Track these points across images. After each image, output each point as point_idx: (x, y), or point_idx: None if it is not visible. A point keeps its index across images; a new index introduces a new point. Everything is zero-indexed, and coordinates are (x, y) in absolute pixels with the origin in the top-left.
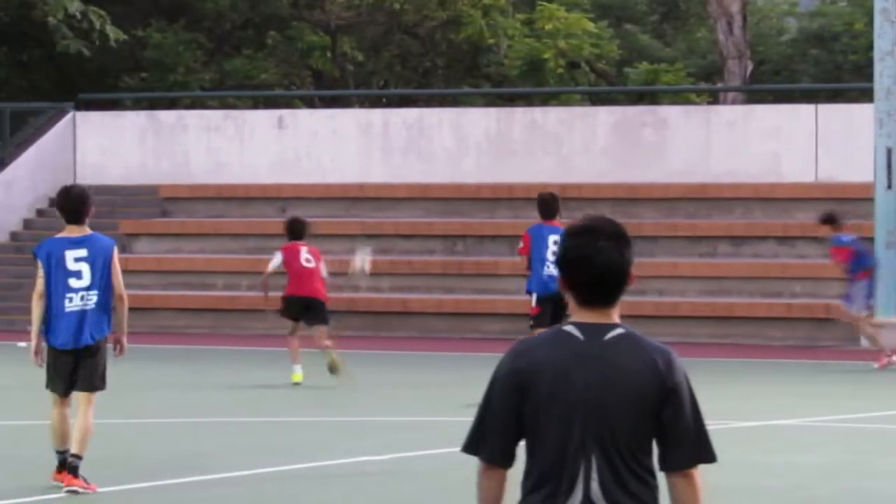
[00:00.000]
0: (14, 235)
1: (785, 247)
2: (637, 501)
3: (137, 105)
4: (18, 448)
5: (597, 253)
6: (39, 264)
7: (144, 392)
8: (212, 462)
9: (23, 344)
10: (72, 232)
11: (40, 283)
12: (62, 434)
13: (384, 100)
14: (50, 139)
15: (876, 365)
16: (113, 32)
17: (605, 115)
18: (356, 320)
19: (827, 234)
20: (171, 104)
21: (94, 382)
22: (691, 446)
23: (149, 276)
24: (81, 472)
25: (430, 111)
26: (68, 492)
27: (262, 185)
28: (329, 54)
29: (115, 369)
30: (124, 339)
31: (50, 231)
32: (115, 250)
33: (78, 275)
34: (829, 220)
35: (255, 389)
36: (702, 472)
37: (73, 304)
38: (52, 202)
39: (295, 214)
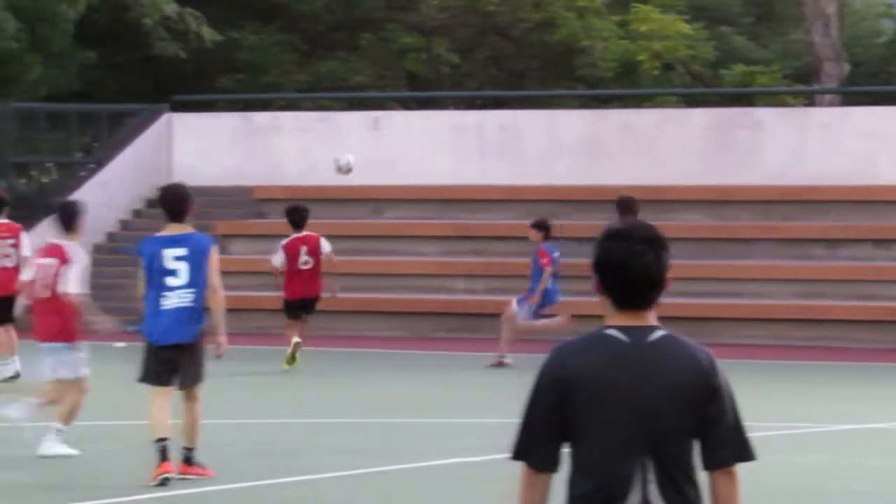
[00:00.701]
0: (111, 236)
1: (881, 249)
2: (687, 500)
3: (232, 106)
4: (116, 446)
5: (632, 256)
6: (142, 263)
7: (241, 391)
8: (304, 462)
9: (120, 344)
10: (172, 230)
11: (141, 284)
12: (160, 424)
13: (478, 101)
14: (146, 141)
15: None
16: (208, 34)
17: (700, 117)
18: (451, 322)
19: None
20: (266, 106)
21: (194, 377)
22: (734, 445)
23: (243, 277)
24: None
25: (523, 113)
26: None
27: (356, 186)
28: (423, 56)
29: (213, 369)
30: (222, 339)
31: (146, 231)
32: (214, 249)
33: (175, 273)
34: None
35: (349, 389)
36: (806, 476)
37: (170, 301)
38: (149, 203)
39: (296, 203)
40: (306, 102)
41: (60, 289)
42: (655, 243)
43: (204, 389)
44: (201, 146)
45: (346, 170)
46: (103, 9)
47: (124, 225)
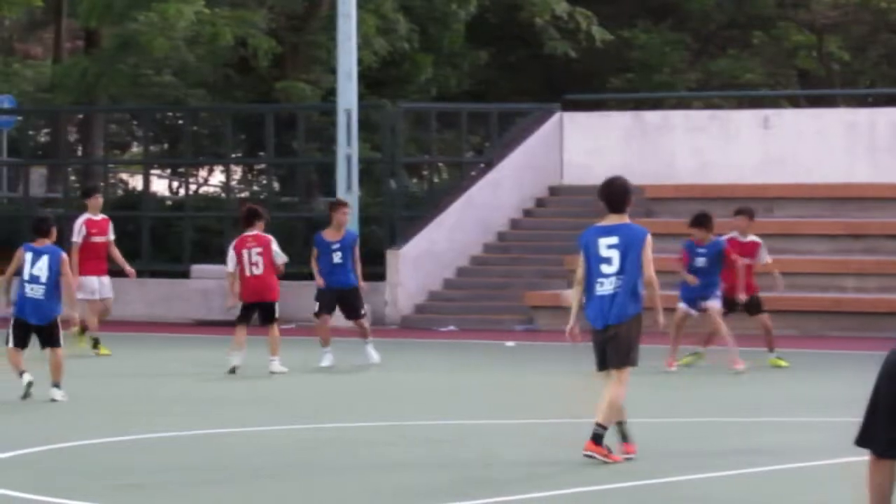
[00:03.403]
0: (501, 235)
1: None
2: None
3: (623, 105)
4: (492, 446)
5: None
6: (581, 251)
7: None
8: (712, 460)
9: (510, 343)
10: (609, 220)
11: (580, 270)
12: (611, 409)
13: (870, 99)
14: (537, 140)
15: None
16: (599, 33)
17: None
18: (844, 321)
19: None
20: (656, 104)
21: (622, 359)
22: None
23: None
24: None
25: None
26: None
27: (748, 185)
28: (815, 53)
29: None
30: (660, 317)
31: (536, 231)
32: (649, 239)
33: (609, 261)
34: None
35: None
36: None
37: (603, 288)
38: (539, 202)
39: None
40: (697, 101)
41: None
42: None
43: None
44: (592, 145)
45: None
46: (495, 9)
47: (514, 224)
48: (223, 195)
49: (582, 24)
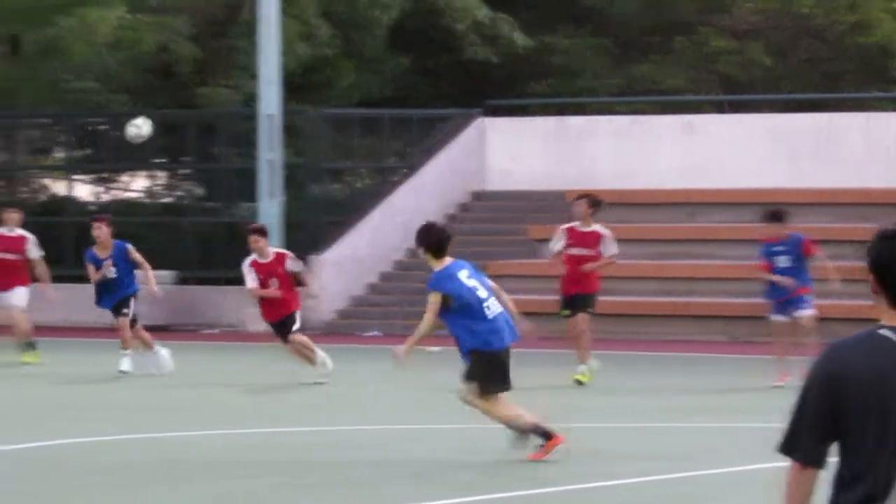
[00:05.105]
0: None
1: None
2: None
3: (545, 110)
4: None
5: None
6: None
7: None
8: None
9: (434, 349)
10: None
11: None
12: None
13: (792, 104)
14: (459, 145)
15: None
16: (520, 39)
17: None
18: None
19: None
20: (579, 109)
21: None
22: None
23: (556, 282)
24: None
25: (838, 116)
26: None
27: (669, 190)
28: (736, 59)
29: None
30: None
31: (458, 236)
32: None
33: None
34: None
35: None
36: None
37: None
38: (462, 207)
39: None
40: (620, 106)
41: None
42: None
43: None
44: (514, 150)
45: (137, 137)
46: (416, 14)
47: None
48: (147, 200)
49: (503, 29)
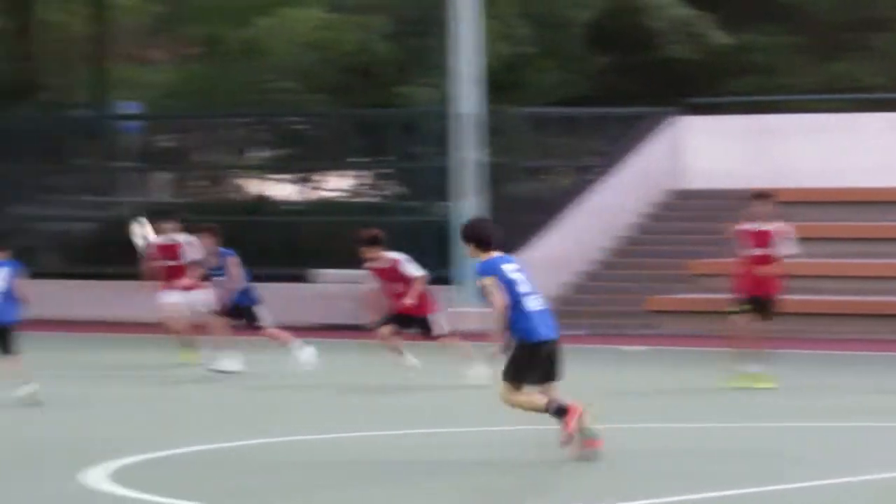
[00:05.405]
0: (623, 240)
1: None
2: None
3: (744, 108)
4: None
5: None
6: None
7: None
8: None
9: (630, 348)
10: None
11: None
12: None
13: None
14: (658, 144)
15: None
16: (720, 37)
17: None
18: None
19: None
20: (778, 107)
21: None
22: None
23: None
24: None
25: None
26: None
27: (872, 189)
28: None
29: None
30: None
31: (659, 235)
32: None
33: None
34: None
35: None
36: None
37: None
38: (660, 207)
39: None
40: (818, 104)
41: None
42: None
43: None
44: (713, 149)
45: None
46: (614, 13)
47: (636, 228)
48: (347, 199)
49: (703, 27)
